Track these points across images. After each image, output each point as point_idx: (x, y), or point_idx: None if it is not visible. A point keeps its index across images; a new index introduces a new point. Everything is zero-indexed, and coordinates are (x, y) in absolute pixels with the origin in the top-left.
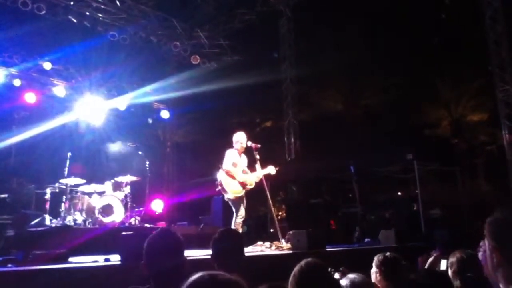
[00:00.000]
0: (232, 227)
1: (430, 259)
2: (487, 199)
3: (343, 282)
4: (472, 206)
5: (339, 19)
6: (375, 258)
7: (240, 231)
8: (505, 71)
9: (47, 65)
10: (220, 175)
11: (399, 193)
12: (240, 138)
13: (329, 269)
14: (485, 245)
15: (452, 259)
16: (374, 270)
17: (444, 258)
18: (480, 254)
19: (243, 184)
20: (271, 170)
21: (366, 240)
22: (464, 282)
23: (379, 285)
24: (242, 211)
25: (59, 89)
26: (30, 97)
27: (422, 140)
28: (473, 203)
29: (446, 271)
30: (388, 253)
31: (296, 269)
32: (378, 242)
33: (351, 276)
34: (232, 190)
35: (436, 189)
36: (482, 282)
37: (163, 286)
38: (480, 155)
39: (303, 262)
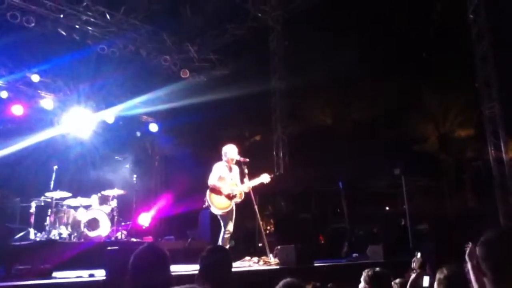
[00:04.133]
0: (220, 242)
1: (413, 276)
2: (474, 214)
3: None
4: (459, 221)
5: (328, 34)
6: (364, 273)
7: (227, 246)
8: (491, 87)
9: (35, 77)
10: (207, 191)
11: (387, 208)
12: (227, 150)
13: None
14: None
15: (439, 276)
16: (362, 285)
17: (426, 275)
18: (467, 269)
19: (229, 197)
20: (265, 178)
21: (354, 255)
22: None
23: None
24: (230, 226)
25: (47, 102)
26: (17, 110)
27: (410, 154)
28: (460, 218)
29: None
30: (377, 268)
31: None
32: (366, 257)
33: None
34: (219, 206)
35: (423, 204)
36: None
37: None
38: (467, 171)
39: (281, 283)
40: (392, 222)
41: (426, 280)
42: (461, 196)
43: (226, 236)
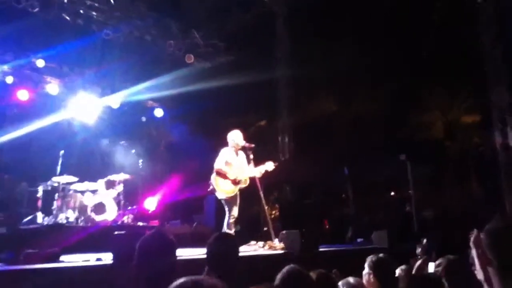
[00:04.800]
0: (224, 227)
1: (418, 262)
2: (479, 200)
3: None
4: (464, 208)
5: (333, 24)
6: (368, 259)
7: (233, 231)
8: (498, 73)
9: (40, 63)
10: (212, 175)
11: (392, 194)
12: (234, 136)
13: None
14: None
15: (441, 262)
16: (366, 271)
17: (432, 261)
18: (471, 257)
19: (235, 182)
20: (270, 166)
21: (358, 240)
22: (452, 286)
23: (369, 286)
24: (234, 211)
25: (52, 87)
26: (22, 95)
27: (415, 142)
28: (465, 205)
29: (435, 274)
30: (381, 255)
31: (278, 277)
32: (370, 242)
33: (347, 279)
34: (224, 190)
35: (428, 191)
36: (471, 285)
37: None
38: (473, 157)
39: (285, 270)
40: (397, 208)
41: (431, 266)
42: (466, 183)
43: (231, 221)
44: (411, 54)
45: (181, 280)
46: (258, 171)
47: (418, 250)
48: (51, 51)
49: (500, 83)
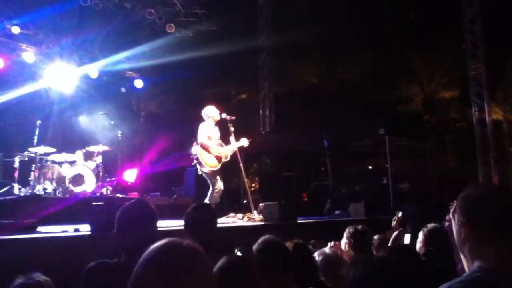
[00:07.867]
0: (208, 200)
1: (394, 234)
2: (455, 174)
3: (315, 255)
4: (440, 180)
5: None
6: (347, 230)
7: (214, 203)
8: (477, 49)
9: (15, 29)
10: (196, 149)
11: (370, 167)
12: (208, 112)
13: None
14: (452, 219)
15: (420, 233)
16: (344, 241)
17: (408, 233)
18: (446, 225)
19: (218, 158)
20: (244, 142)
21: (336, 212)
22: (428, 256)
23: (346, 256)
24: (219, 184)
25: (28, 55)
26: None
27: (395, 115)
28: (441, 178)
29: (410, 245)
30: (359, 226)
31: (254, 246)
32: (348, 214)
33: (323, 250)
34: (208, 163)
35: (406, 164)
36: (447, 255)
37: (134, 257)
38: (450, 132)
39: (260, 240)
40: (374, 181)
41: (407, 238)
42: (443, 156)
43: (216, 194)
44: (394, 27)
45: (162, 241)
46: (233, 148)
47: (393, 222)
48: (27, 17)
49: (479, 58)
